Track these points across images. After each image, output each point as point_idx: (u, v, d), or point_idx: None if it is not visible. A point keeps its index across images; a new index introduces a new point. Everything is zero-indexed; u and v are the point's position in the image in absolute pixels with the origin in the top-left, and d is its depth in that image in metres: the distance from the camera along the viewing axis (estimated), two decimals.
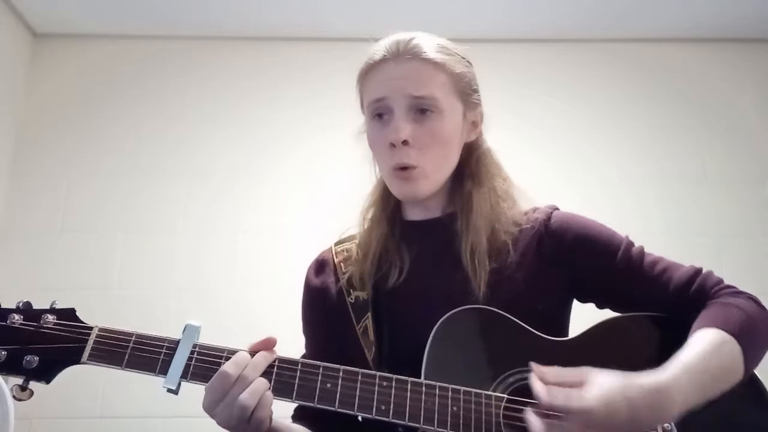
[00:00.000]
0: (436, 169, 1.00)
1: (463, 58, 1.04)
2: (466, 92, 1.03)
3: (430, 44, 1.00)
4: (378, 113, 1.00)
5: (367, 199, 1.11)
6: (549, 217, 1.02)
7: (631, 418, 0.76)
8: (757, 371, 0.92)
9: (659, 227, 2.52)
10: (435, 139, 0.98)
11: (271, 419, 0.86)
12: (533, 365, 0.82)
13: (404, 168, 0.98)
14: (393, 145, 0.97)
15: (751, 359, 0.87)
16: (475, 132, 1.06)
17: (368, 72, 1.02)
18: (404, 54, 0.98)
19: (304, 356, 1.07)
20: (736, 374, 0.86)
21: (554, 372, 0.81)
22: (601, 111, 2.75)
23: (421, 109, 0.97)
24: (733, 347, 0.85)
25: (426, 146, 0.97)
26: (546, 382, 0.79)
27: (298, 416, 1.03)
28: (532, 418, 0.77)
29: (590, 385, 0.77)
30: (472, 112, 1.05)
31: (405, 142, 0.96)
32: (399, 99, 0.97)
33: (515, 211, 1.04)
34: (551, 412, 0.76)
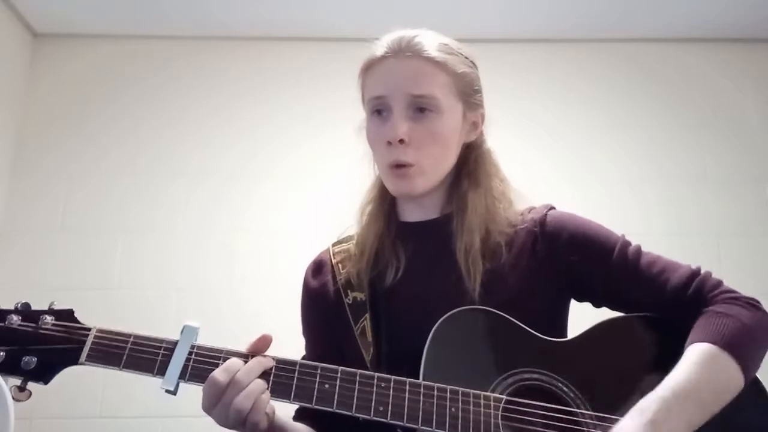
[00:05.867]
0: (432, 168, 1.00)
1: (467, 58, 1.03)
2: (468, 93, 1.02)
3: (432, 42, 0.99)
4: (377, 110, 1.00)
5: (365, 195, 1.11)
6: (544, 217, 1.02)
7: None
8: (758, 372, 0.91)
9: (659, 227, 2.51)
10: (432, 139, 0.98)
11: (271, 419, 0.86)
12: None
13: (400, 165, 0.97)
14: (390, 143, 0.97)
15: (750, 367, 0.86)
16: (475, 132, 1.06)
17: (369, 68, 1.02)
18: (405, 51, 0.98)
19: (304, 357, 1.07)
20: (735, 386, 0.85)
21: None
22: (601, 111, 2.74)
23: (420, 108, 0.97)
24: (726, 360, 0.84)
25: (423, 145, 0.97)
26: None
27: (300, 416, 1.03)
28: None
29: None
30: (473, 113, 1.04)
31: (402, 141, 0.96)
32: (398, 97, 0.97)
33: (511, 211, 1.03)
34: None
